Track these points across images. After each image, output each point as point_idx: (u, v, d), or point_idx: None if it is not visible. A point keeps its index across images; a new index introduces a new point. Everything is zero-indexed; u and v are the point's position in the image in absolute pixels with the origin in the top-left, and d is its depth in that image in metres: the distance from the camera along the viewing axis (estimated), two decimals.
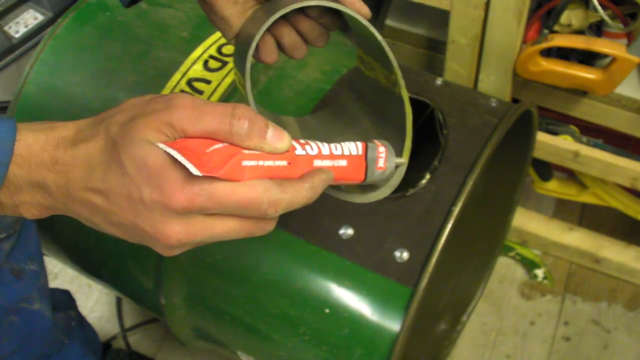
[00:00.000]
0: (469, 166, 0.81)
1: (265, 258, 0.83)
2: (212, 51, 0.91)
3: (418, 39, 1.32)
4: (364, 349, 0.80)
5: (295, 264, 0.83)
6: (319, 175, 0.48)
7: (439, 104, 0.89)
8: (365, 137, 0.61)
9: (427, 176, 0.83)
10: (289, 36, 0.60)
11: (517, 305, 1.31)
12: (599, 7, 0.97)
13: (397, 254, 0.79)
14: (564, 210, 1.42)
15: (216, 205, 0.44)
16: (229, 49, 0.91)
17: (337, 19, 0.60)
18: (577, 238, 1.33)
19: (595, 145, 1.16)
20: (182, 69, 0.90)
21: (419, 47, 1.32)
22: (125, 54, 0.94)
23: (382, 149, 0.51)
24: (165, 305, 0.92)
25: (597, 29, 1.11)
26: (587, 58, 1.11)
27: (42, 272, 0.86)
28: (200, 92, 0.88)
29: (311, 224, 0.82)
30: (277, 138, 0.45)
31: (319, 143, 0.49)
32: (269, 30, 0.59)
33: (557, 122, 1.19)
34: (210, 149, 0.44)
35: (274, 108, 0.74)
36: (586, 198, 1.29)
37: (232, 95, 0.87)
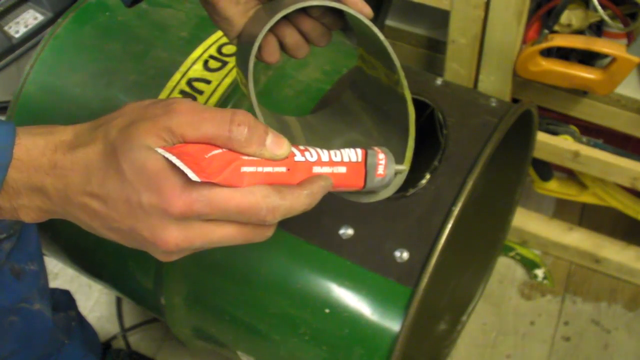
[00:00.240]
0: (469, 166, 0.81)
1: (265, 258, 0.83)
2: (212, 51, 0.91)
3: (418, 39, 1.32)
4: (364, 349, 0.80)
5: (295, 264, 0.83)
6: (318, 182, 0.47)
7: (439, 104, 0.89)
8: (367, 136, 0.62)
9: (427, 176, 0.83)
10: (291, 36, 0.60)
11: (517, 305, 1.31)
12: (599, 7, 0.97)
13: (397, 254, 0.79)
14: (564, 210, 1.42)
15: (215, 211, 0.44)
16: (229, 49, 0.91)
17: (339, 19, 0.60)
18: (577, 238, 1.33)
19: (595, 145, 1.16)
20: (182, 69, 0.90)
21: (419, 47, 1.32)
22: (125, 54, 0.94)
23: (381, 155, 0.51)
24: (165, 305, 0.92)
25: (597, 29, 1.11)
26: (587, 58, 1.11)
27: (42, 272, 0.86)
28: (201, 92, 0.88)
29: (311, 224, 0.82)
30: (276, 145, 0.45)
31: (319, 149, 0.49)
32: (271, 30, 0.59)
33: (557, 122, 1.19)
34: (209, 154, 0.44)
35: (273, 108, 0.74)
36: (586, 198, 1.29)
37: (232, 95, 0.87)
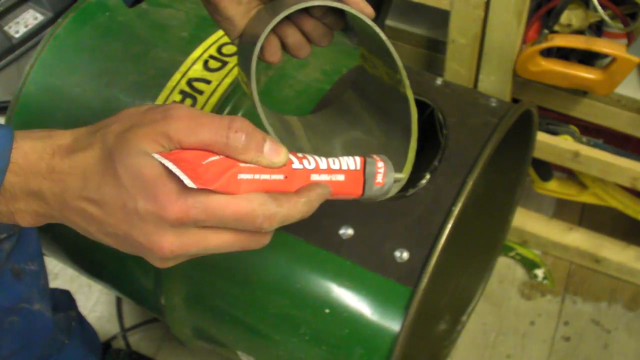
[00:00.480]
0: (469, 166, 0.81)
1: (265, 258, 0.83)
2: (212, 51, 0.91)
3: (418, 39, 1.32)
4: (364, 349, 0.80)
5: (295, 264, 0.83)
6: (316, 190, 0.47)
7: (439, 104, 0.89)
8: (369, 135, 0.62)
9: (427, 176, 0.83)
10: (293, 36, 0.60)
11: (517, 305, 1.31)
12: (599, 7, 0.97)
13: (397, 254, 0.79)
14: (564, 210, 1.42)
15: (211, 218, 0.43)
16: (229, 49, 0.91)
17: (340, 19, 0.60)
18: (577, 238, 1.33)
19: (595, 145, 1.16)
20: (182, 69, 0.90)
21: (419, 47, 1.32)
22: (125, 54, 0.94)
23: (380, 164, 0.51)
24: (165, 305, 0.92)
25: (597, 29, 1.11)
26: (587, 58, 1.11)
27: (42, 272, 0.86)
28: (201, 92, 0.88)
29: (311, 224, 0.82)
30: (274, 152, 0.45)
31: (317, 157, 0.48)
32: (273, 30, 0.59)
33: (557, 122, 1.19)
34: (207, 161, 0.43)
35: (274, 108, 0.74)
36: (586, 198, 1.29)
37: (232, 95, 0.87)
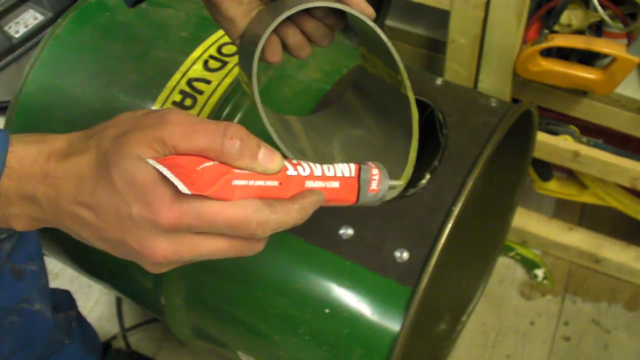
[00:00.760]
0: (469, 166, 0.81)
1: (265, 258, 0.83)
2: (212, 51, 0.91)
3: (418, 39, 1.32)
4: (364, 349, 0.80)
5: (295, 264, 0.83)
6: (310, 197, 0.47)
7: (439, 104, 0.89)
8: (369, 136, 0.62)
9: (427, 176, 0.83)
10: (294, 36, 0.60)
11: (517, 305, 1.31)
12: (599, 7, 0.97)
13: (397, 254, 0.79)
14: (564, 210, 1.42)
15: (204, 224, 0.43)
16: (229, 49, 0.91)
17: (341, 19, 0.60)
18: (577, 238, 1.33)
19: (595, 145, 1.16)
20: (182, 69, 0.90)
21: (419, 47, 1.33)
22: (125, 54, 0.94)
23: (375, 171, 0.50)
24: (165, 305, 0.92)
25: (597, 29, 1.11)
26: (587, 58, 1.11)
27: (42, 272, 0.86)
28: (201, 92, 0.88)
29: (311, 224, 0.82)
30: (268, 159, 0.45)
31: (311, 164, 0.48)
32: (274, 30, 0.59)
33: (557, 122, 1.19)
34: (201, 166, 0.43)
35: (274, 108, 0.74)
36: (586, 198, 1.29)
37: (232, 95, 0.87)
